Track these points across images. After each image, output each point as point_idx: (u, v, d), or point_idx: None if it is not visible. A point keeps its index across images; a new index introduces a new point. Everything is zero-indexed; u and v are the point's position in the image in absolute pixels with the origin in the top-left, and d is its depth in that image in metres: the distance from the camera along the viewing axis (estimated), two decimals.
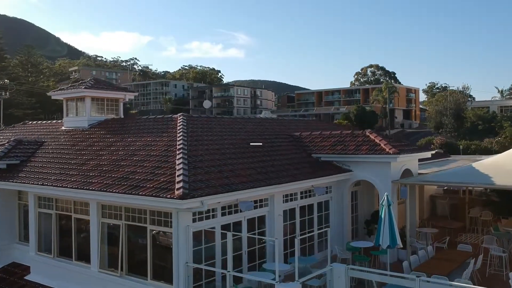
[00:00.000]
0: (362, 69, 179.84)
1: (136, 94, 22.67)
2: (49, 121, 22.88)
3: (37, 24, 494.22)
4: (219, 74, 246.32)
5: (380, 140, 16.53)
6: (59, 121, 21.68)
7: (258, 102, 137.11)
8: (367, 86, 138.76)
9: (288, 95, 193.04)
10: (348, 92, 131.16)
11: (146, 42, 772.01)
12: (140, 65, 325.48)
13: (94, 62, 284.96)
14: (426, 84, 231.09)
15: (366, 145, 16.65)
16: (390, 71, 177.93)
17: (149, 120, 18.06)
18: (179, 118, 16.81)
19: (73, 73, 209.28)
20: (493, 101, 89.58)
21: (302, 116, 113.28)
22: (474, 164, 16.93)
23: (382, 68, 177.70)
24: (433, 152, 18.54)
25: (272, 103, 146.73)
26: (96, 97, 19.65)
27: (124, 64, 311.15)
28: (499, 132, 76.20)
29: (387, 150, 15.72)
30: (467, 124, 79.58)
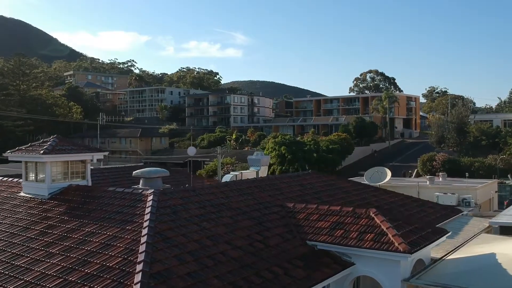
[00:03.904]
0: (361, 75, 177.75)
1: (106, 153, 20.04)
2: (11, 179, 20.19)
3: (34, 25, 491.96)
4: (217, 76, 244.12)
5: (387, 228, 13.90)
6: (20, 180, 19.00)
7: (256, 109, 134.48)
8: (366, 94, 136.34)
9: (286, 100, 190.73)
10: (347, 100, 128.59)
11: (144, 42, 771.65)
12: (137, 67, 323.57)
13: (91, 65, 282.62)
14: (426, 89, 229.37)
15: (371, 232, 14.02)
16: (389, 76, 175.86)
17: (116, 195, 15.41)
18: (149, 197, 14.22)
19: (68, 78, 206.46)
20: (497, 114, 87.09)
21: (300, 126, 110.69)
22: (500, 256, 14.27)
23: (382, 74, 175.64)
24: (449, 233, 15.84)
25: (270, 110, 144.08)
26: (58, 161, 17.04)
27: (121, 66, 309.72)
28: (504, 148, 73.82)
29: (397, 245, 13.08)
30: (470, 139, 77.18)
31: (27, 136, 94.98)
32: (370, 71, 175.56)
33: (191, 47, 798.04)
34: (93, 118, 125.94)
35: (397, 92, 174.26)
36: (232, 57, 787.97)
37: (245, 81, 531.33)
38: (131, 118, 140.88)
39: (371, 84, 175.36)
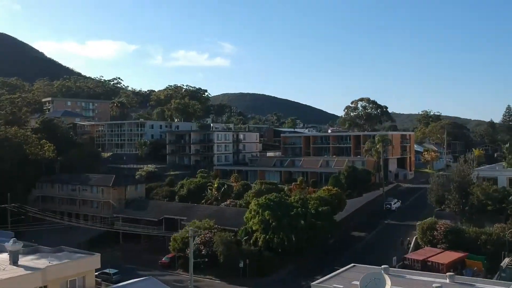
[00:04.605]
0: (352, 102, 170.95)
1: None
2: None
3: (20, 38, 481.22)
4: (205, 94, 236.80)
5: None
6: None
7: (241, 146, 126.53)
8: (358, 132, 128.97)
9: (275, 128, 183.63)
10: (338, 138, 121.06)
11: (132, 51, 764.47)
12: (123, 85, 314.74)
13: (75, 84, 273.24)
14: (418, 112, 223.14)
15: None
16: (381, 104, 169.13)
17: None
18: None
19: (47, 104, 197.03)
20: (501, 171, 79.87)
21: (287, 172, 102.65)
22: None
23: (374, 102, 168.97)
24: None
25: (256, 145, 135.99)
26: None
27: (107, 83, 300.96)
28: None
29: None
30: (473, 201, 69.56)
31: None
32: (361, 99, 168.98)
33: (180, 56, 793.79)
34: (68, 155, 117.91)
35: (390, 123, 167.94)
36: (220, 66, 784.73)
37: (235, 93, 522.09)
38: (109, 154, 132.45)
39: (362, 113, 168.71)
